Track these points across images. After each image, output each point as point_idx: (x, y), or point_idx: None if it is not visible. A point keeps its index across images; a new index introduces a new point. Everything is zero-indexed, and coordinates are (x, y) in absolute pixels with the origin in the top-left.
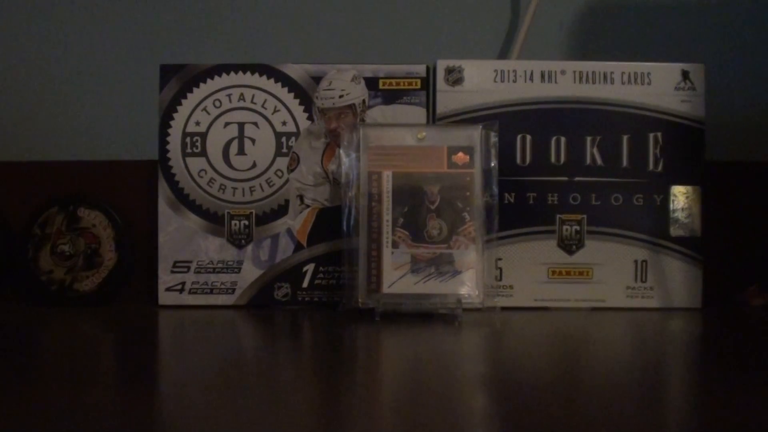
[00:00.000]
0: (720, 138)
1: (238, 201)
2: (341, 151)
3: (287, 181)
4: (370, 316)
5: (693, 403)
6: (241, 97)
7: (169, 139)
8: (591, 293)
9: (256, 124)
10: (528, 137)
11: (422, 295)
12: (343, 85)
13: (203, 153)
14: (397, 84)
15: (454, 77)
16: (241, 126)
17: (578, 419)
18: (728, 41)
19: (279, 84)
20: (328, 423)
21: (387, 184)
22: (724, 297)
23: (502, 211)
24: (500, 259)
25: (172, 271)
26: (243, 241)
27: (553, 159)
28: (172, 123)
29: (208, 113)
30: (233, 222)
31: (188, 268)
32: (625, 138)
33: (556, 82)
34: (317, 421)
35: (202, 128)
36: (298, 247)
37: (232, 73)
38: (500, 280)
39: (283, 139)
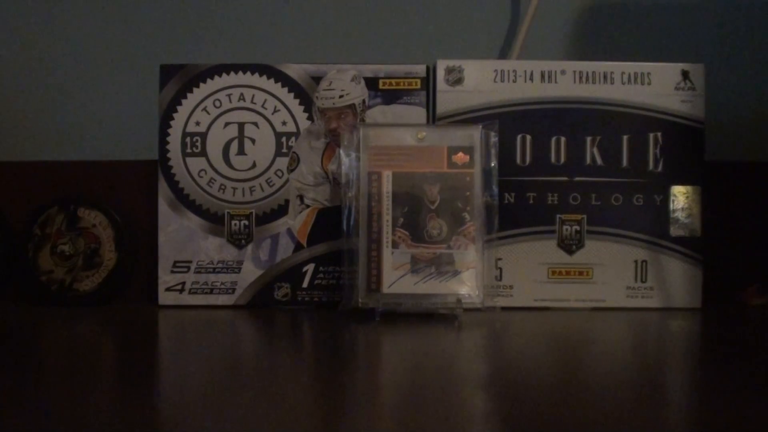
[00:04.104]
0: (720, 138)
1: (238, 201)
2: (341, 151)
3: (287, 181)
4: (370, 316)
5: (693, 403)
6: (241, 97)
7: (169, 139)
8: (591, 293)
9: (256, 124)
10: (528, 137)
11: (422, 295)
12: (343, 85)
13: (203, 153)
14: (397, 84)
15: (454, 77)
16: (241, 126)
17: (578, 419)
18: (728, 41)
19: (279, 84)
20: (328, 423)
21: (387, 184)
22: (724, 297)
23: (502, 211)
24: (500, 259)
25: (172, 271)
26: (243, 241)
27: (553, 159)
28: (172, 123)
29: (208, 113)
30: (233, 222)
31: (188, 268)
32: (625, 138)
33: (556, 82)
34: (317, 422)
35: (202, 128)
36: (298, 247)
37: (232, 73)
38: (500, 280)
39: (283, 139)
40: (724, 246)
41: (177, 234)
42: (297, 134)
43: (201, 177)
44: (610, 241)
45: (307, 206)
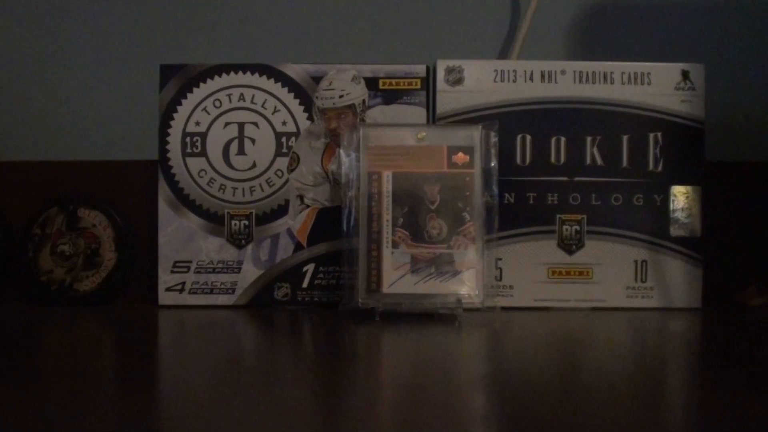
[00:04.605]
0: (720, 138)
1: (238, 201)
2: (341, 151)
3: (287, 181)
4: (370, 316)
5: (693, 403)
6: (241, 97)
7: (169, 139)
8: (591, 293)
9: (256, 124)
10: (528, 137)
11: (422, 295)
12: (343, 85)
13: (203, 153)
14: (397, 84)
15: (454, 77)
16: (241, 126)
17: (578, 419)
18: (728, 41)
19: (279, 84)
20: (328, 423)
21: (387, 184)
22: (724, 297)
23: (502, 211)
24: (500, 259)
25: (172, 271)
26: (243, 241)
27: (553, 159)
28: (172, 123)
29: (208, 113)
30: (233, 222)
31: (188, 268)
32: (625, 138)
33: (556, 82)
34: (317, 421)
35: (202, 128)
36: (298, 247)
37: (232, 73)
38: (500, 280)
39: (283, 139)
40: (724, 246)
41: (177, 234)
42: (297, 134)
43: (201, 177)
44: (610, 241)
45: (307, 206)
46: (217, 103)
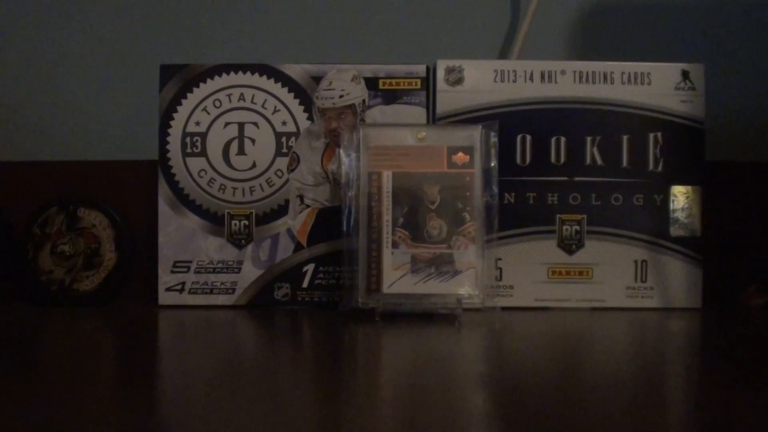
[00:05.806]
0: (720, 138)
1: (238, 201)
2: (341, 151)
3: (287, 181)
4: (370, 316)
5: (693, 403)
6: (241, 97)
7: (169, 139)
8: (591, 293)
9: (256, 124)
10: (528, 137)
11: (422, 295)
12: (343, 85)
13: (203, 153)
14: (397, 84)
15: (454, 77)
16: (241, 126)
17: (578, 419)
18: (728, 41)
19: (279, 84)
20: (328, 423)
21: (387, 184)
22: (724, 297)
23: (502, 211)
24: (500, 259)
25: (172, 271)
26: (243, 241)
27: (553, 159)
28: (172, 123)
29: (208, 113)
30: (233, 222)
31: (188, 268)
32: (625, 138)
33: (556, 82)
34: (317, 421)
35: (202, 128)
36: (298, 247)
37: (232, 73)
38: (500, 280)
39: (283, 139)
40: (724, 246)
41: (177, 234)
42: (297, 134)
43: (201, 177)
44: (610, 241)
45: (307, 206)
46: (217, 103)
